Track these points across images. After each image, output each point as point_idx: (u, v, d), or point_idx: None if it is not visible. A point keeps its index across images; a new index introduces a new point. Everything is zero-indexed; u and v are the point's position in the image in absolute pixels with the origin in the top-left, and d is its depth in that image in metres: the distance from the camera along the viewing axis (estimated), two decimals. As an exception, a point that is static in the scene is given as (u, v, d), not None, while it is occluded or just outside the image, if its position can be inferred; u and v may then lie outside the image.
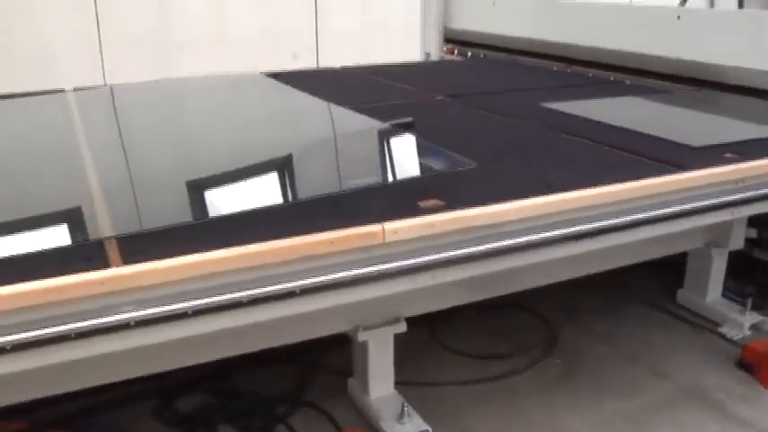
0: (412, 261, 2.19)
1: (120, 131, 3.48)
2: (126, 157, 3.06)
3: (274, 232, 2.03)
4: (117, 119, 3.80)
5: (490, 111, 3.95)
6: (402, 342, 3.02)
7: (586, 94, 4.37)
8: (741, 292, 3.85)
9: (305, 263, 2.05)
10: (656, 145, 3.16)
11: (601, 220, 2.51)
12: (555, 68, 5.50)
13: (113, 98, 4.13)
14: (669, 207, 2.65)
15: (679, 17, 4.60)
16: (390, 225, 2.12)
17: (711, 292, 3.82)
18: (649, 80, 4.73)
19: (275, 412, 3.03)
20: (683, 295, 3.94)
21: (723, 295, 3.85)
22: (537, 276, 3.23)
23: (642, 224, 2.60)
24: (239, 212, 2.22)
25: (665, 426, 2.97)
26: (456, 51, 6.76)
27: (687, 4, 5.75)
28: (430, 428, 2.84)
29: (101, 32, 8.12)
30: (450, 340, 3.59)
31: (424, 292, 2.96)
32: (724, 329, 3.64)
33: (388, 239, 2.12)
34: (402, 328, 2.95)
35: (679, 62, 4.57)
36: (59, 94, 4.30)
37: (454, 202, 2.33)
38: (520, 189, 2.44)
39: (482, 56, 6.35)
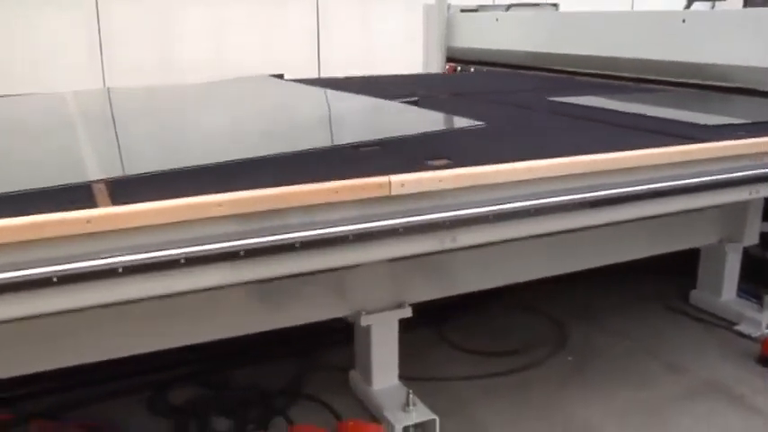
0: (417, 218, 2.06)
1: (111, 104, 3.38)
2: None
3: (275, 180, 1.92)
4: (110, 101, 3.70)
5: (495, 103, 3.88)
6: (408, 341, 2.90)
7: (593, 93, 4.30)
8: (754, 293, 3.72)
9: (307, 214, 1.93)
10: (666, 124, 3.06)
11: (614, 188, 2.39)
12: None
13: (110, 95, 4.05)
14: (685, 179, 2.53)
15: (684, 20, 4.55)
16: (397, 177, 2.01)
17: (726, 290, 3.69)
18: (657, 86, 4.65)
19: (272, 404, 2.87)
20: (696, 295, 3.81)
21: (738, 295, 3.73)
22: (544, 263, 3.12)
23: (657, 195, 2.47)
24: (243, 159, 2.10)
25: (684, 417, 2.82)
26: (459, 69, 6.71)
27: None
28: (437, 418, 2.68)
29: (103, 60, 8.14)
30: (459, 339, 3.45)
31: (429, 275, 2.87)
32: (741, 327, 3.51)
33: (394, 192, 2.00)
34: (407, 313, 2.83)
35: (686, 65, 4.50)
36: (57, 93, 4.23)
37: (464, 163, 2.22)
38: (530, 153, 2.33)
39: (485, 71, 6.30)
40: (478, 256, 2.93)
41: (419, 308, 2.85)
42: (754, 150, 2.64)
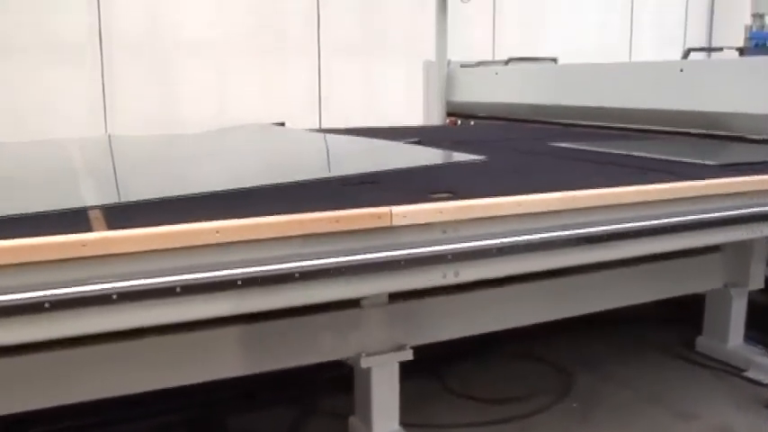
0: (419, 250, 2.03)
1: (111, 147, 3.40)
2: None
3: (275, 209, 1.90)
4: (111, 144, 3.72)
5: (497, 149, 3.88)
6: (409, 389, 2.82)
7: (594, 141, 4.31)
8: (760, 340, 3.66)
9: (307, 244, 1.90)
10: (670, 165, 3.05)
11: (620, 223, 2.37)
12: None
13: (110, 140, 4.07)
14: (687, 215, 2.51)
15: (682, 70, 4.59)
16: (398, 209, 1.99)
17: (733, 336, 3.62)
18: (659, 135, 4.67)
19: (270, 451, 2.79)
20: (702, 342, 3.74)
21: (745, 341, 3.66)
22: (545, 307, 3.06)
23: (660, 232, 2.45)
24: (248, 188, 2.08)
25: (698, 464, 2.73)
26: (459, 122, 6.75)
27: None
28: (438, 463, 2.59)
29: (107, 112, 8.22)
30: (460, 387, 3.37)
31: (430, 317, 2.82)
32: (750, 373, 3.43)
33: (395, 223, 1.97)
34: (408, 356, 2.75)
35: (685, 114, 4.52)
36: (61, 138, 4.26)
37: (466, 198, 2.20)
38: (532, 188, 2.31)
39: (485, 124, 6.34)
40: (480, 298, 2.88)
41: (420, 356, 2.78)
42: (758, 188, 2.62)
